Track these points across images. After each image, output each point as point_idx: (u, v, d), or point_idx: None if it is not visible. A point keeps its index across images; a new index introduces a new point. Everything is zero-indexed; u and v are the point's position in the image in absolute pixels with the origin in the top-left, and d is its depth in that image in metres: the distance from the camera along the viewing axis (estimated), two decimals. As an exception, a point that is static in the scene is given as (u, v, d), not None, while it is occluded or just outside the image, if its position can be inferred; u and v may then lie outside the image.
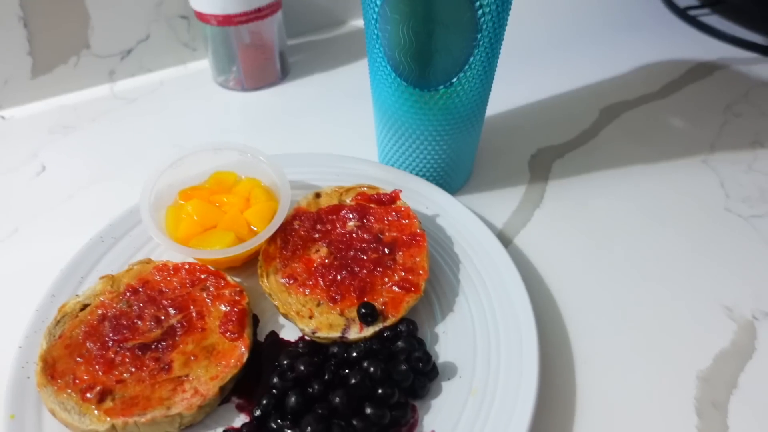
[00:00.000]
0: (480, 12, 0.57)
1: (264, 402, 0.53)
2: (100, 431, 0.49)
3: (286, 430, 0.50)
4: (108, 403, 0.51)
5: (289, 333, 0.61)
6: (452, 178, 0.74)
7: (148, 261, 0.62)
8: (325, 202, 0.68)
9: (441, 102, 0.65)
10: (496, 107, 0.75)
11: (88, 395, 0.51)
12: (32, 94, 0.86)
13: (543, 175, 0.77)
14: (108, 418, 0.49)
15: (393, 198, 0.66)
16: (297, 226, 0.65)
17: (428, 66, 0.62)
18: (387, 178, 0.72)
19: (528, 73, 0.91)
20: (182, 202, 0.65)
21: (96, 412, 0.50)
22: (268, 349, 0.59)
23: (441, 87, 0.64)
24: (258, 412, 0.53)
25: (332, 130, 0.86)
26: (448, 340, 0.59)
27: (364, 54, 1.00)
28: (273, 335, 0.61)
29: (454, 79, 0.63)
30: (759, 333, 0.59)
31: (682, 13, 1.11)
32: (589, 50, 0.97)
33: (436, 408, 0.55)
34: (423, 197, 0.70)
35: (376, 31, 0.63)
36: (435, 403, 0.55)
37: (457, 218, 0.68)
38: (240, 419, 0.55)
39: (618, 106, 0.83)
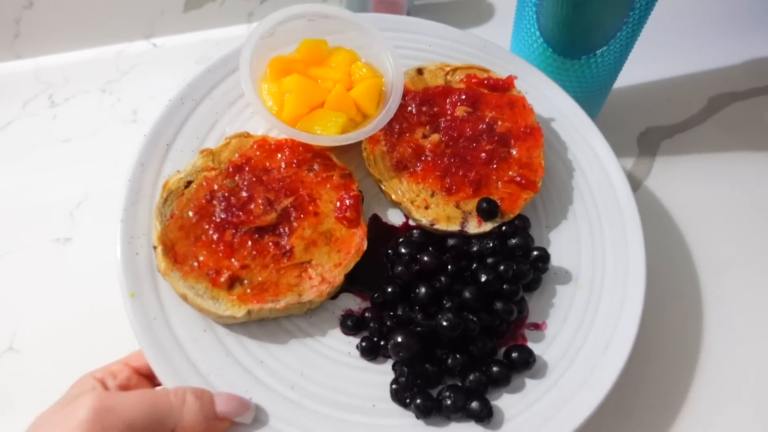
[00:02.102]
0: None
1: (389, 290, 0.53)
2: (238, 316, 0.47)
3: (418, 319, 0.51)
4: (238, 289, 0.48)
5: (391, 216, 0.59)
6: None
7: (246, 135, 0.56)
8: (429, 80, 0.62)
9: (580, 71, 0.66)
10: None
11: (221, 280, 0.48)
12: (182, 26, 0.88)
13: (651, 151, 0.79)
14: (243, 305, 0.48)
15: (507, 84, 0.62)
16: (401, 105, 0.60)
17: (579, 37, 0.62)
18: (499, 62, 0.66)
19: (645, 53, 0.89)
20: (269, 78, 0.57)
21: (230, 297, 0.48)
22: (373, 234, 0.57)
23: (583, 57, 0.64)
24: (381, 299, 0.53)
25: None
26: (553, 239, 0.60)
27: (484, 20, 0.97)
28: (376, 219, 0.59)
29: (598, 51, 0.63)
30: None
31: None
32: (705, 38, 0.95)
33: (545, 301, 0.56)
34: (540, 93, 0.65)
35: (533, -2, 0.58)
36: (544, 296, 0.57)
37: (575, 123, 0.64)
38: (354, 302, 0.54)
39: (727, 96, 0.84)
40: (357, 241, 0.53)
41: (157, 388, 0.46)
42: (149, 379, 0.47)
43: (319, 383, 0.49)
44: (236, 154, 0.54)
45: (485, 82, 0.62)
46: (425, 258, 0.53)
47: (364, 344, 0.51)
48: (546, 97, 0.65)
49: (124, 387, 0.45)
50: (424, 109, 0.60)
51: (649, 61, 0.88)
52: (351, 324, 0.52)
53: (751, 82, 0.86)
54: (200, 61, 0.84)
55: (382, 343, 0.51)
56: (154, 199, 0.52)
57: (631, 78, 0.84)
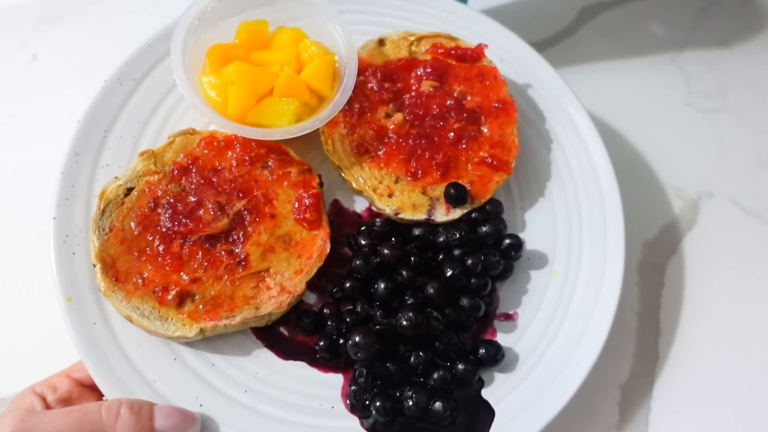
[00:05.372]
0: None
1: (348, 285, 0.50)
2: (189, 336, 0.46)
3: (377, 317, 0.49)
4: (189, 306, 0.47)
5: (355, 202, 0.56)
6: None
7: (192, 131, 0.52)
8: (391, 52, 0.56)
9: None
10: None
11: (169, 297, 0.46)
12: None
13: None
14: (194, 323, 0.46)
15: (477, 54, 0.55)
16: (360, 82, 0.54)
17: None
18: (469, 26, 0.59)
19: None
20: (209, 70, 0.51)
21: (180, 316, 0.46)
22: (334, 221, 0.55)
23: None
24: (339, 294, 0.51)
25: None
26: (528, 221, 0.56)
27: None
28: (337, 205, 0.56)
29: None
30: (701, 210, 0.67)
31: None
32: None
33: (518, 290, 0.54)
34: (516, 60, 0.59)
35: None
36: (517, 284, 0.54)
37: (553, 92, 0.58)
38: (311, 295, 0.52)
39: (596, 6, 0.82)
40: (319, 244, 0.50)
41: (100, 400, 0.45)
42: (93, 390, 0.46)
43: (274, 385, 0.48)
44: (181, 155, 0.51)
45: (453, 52, 0.55)
46: (385, 250, 0.50)
47: (322, 343, 0.50)
48: (523, 65, 0.58)
49: (65, 401, 0.44)
50: (386, 85, 0.55)
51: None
52: (308, 322, 0.50)
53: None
54: (42, 20, 0.75)
55: (341, 341, 0.50)
56: (92, 191, 0.49)
57: None
